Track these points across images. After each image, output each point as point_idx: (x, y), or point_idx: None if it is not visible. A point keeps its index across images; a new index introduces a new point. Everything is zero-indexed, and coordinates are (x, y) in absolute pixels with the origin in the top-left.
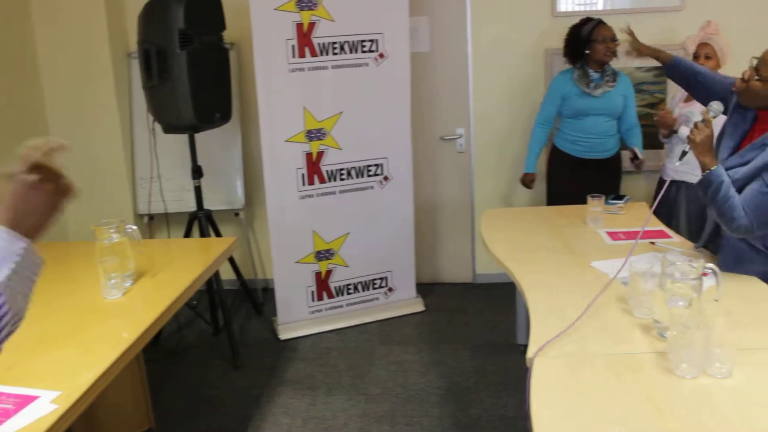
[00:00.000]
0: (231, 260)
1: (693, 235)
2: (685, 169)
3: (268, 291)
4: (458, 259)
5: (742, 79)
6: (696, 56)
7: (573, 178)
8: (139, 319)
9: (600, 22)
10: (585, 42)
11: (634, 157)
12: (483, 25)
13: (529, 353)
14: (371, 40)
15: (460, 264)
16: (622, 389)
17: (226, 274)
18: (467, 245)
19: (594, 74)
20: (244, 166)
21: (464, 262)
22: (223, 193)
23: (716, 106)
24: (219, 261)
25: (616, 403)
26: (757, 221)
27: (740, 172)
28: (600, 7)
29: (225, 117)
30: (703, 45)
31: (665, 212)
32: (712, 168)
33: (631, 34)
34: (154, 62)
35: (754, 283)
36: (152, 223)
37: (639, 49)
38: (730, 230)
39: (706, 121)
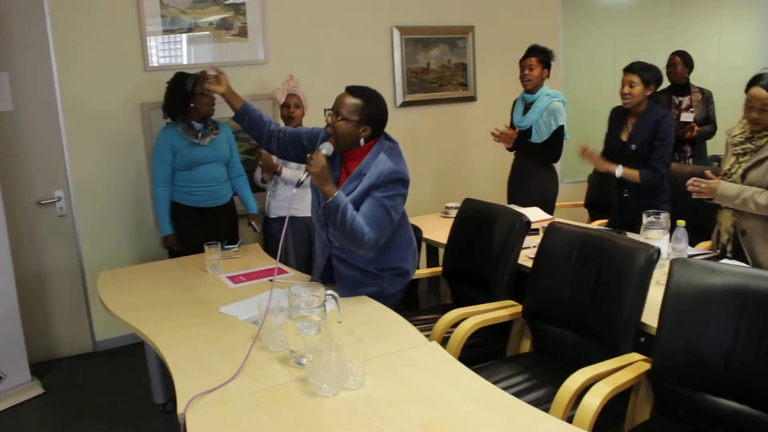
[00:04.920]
0: None
1: (304, 262)
2: (285, 204)
3: None
4: (74, 329)
5: (328, 124)
6: (287, 105)
7: (195, 229)
8: None
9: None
10: (189, 96)
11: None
12: (72, 80)
13: (180, 409)
14: None
15: (77, 334)
16: (275, 421)
17: None
18: (82, 313)
19: (198, 125)
20: None
21: (82, 331)
22: None
23: (328, 146)
24: None
25: None
26: (380, 232)
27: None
28: (185, 61)
29: None
30: (291, 95)
31: (275, 248)
32: (335, 194)
33: (217, 71)
34: None
35: (367, 302)
36: None
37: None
38: (361, 248)
39: (319, 154)
